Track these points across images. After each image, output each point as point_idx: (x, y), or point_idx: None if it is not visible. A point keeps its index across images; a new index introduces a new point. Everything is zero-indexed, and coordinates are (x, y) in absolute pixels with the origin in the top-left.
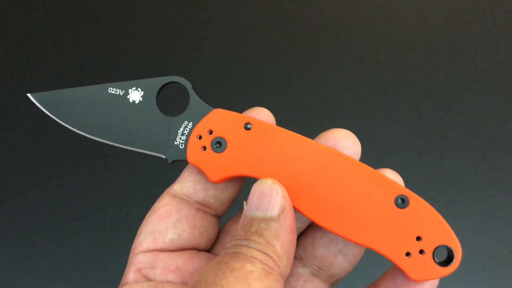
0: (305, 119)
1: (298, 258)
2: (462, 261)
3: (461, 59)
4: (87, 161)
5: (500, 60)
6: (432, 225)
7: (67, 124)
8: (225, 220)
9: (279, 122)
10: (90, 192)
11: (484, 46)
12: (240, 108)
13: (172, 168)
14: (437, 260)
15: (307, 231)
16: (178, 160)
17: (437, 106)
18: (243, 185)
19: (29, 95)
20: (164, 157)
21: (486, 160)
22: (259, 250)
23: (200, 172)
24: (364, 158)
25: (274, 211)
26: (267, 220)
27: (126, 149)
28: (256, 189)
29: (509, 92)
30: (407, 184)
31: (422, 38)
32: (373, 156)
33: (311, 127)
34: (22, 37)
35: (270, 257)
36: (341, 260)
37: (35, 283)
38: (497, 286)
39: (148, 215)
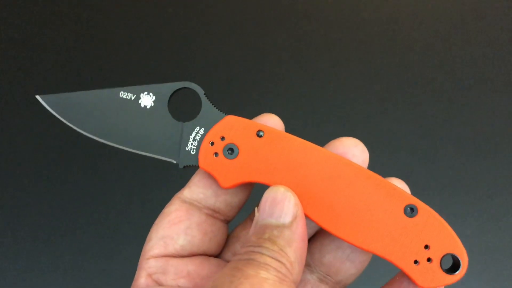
0: (308, 121)
1: (305, 264)
2: None
3: (461, 59)
4: (88, 162)
5: (500, 60)
6: (439, 234)
7: (77, 127)
8: (232, 225)
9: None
10: (91, 192)
11: (484, 46)
12: (244, 110)
13: (171, 168)
14: (444, 268)
15: (315, 238)
16: (190, 165)
17: (439, 106)
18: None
19: (38, 97)
20: (175, 162)
21: (486, 160)
22: (272, 257)
23: (210, 177)
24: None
25: (287, 219)
26: (280, 227)
27: (132, 152)
28: (268, 196)
29: (509, 92)
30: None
31: (426, 38)
32: (373, 156)
33: (314, 128)
34: (25, 39)
35: (283, 264)
36: (348, 267)
37: (35, 282)
38: (497, 286)
39: (157, 220)
